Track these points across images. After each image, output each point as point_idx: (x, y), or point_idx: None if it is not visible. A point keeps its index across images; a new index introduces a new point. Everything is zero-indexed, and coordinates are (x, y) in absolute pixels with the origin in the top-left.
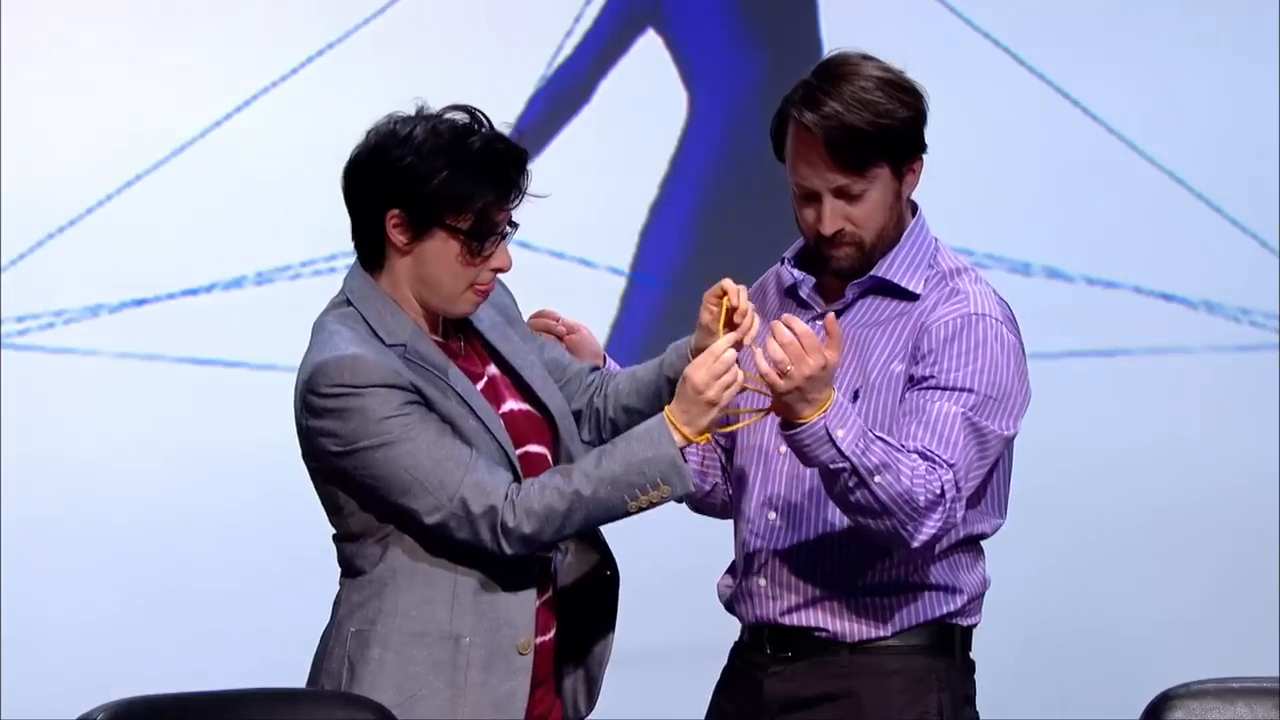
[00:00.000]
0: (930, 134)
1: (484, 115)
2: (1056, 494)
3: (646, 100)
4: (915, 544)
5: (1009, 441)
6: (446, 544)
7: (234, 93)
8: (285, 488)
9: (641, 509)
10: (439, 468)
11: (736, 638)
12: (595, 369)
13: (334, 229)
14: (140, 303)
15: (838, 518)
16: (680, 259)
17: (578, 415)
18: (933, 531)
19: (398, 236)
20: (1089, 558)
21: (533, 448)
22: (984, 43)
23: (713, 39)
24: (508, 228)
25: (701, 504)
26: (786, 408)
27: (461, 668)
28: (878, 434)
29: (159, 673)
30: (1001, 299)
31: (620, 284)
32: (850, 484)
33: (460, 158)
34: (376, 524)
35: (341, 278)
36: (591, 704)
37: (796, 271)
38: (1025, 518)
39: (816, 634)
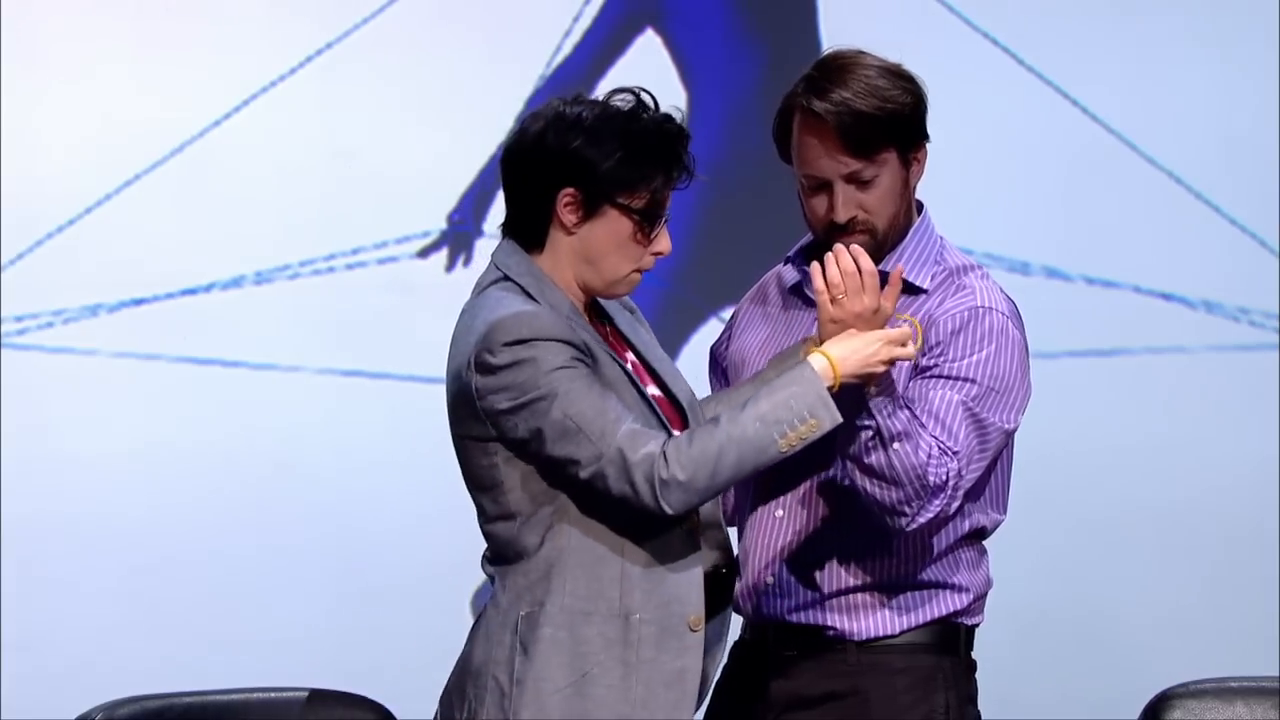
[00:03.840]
0: (929, 133)
1: (651, 95)
2: (1055, 494)
3: None
4: (913, 525)
5: (1009, 435)
6: (608, 511)
7: (233, 92)
8: (285, 488)
9: (793, 447)
10: (601, 416)
11: (738, 636)
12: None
13: (333, 228)
14: (139, 302)
15: (846, 515)
16: (680, 259)
17: None
18: (932, 515)
19: (568, 216)
20: (1088, 557)
21: (675, 433)
22: (983, 42)
23: (712, 39)
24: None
25: None
26: (826, 338)
27: (633, 645)
28: (905, 401)
29: (158, 673)
30: (1008, 296)
31: None
32: (870, 445)
33: (634, 137)
34: (537, 503)
35: (340, 277)
36: (703, 699)
37: (804, 268)
38: (1024, 517)
39: (824, 632)
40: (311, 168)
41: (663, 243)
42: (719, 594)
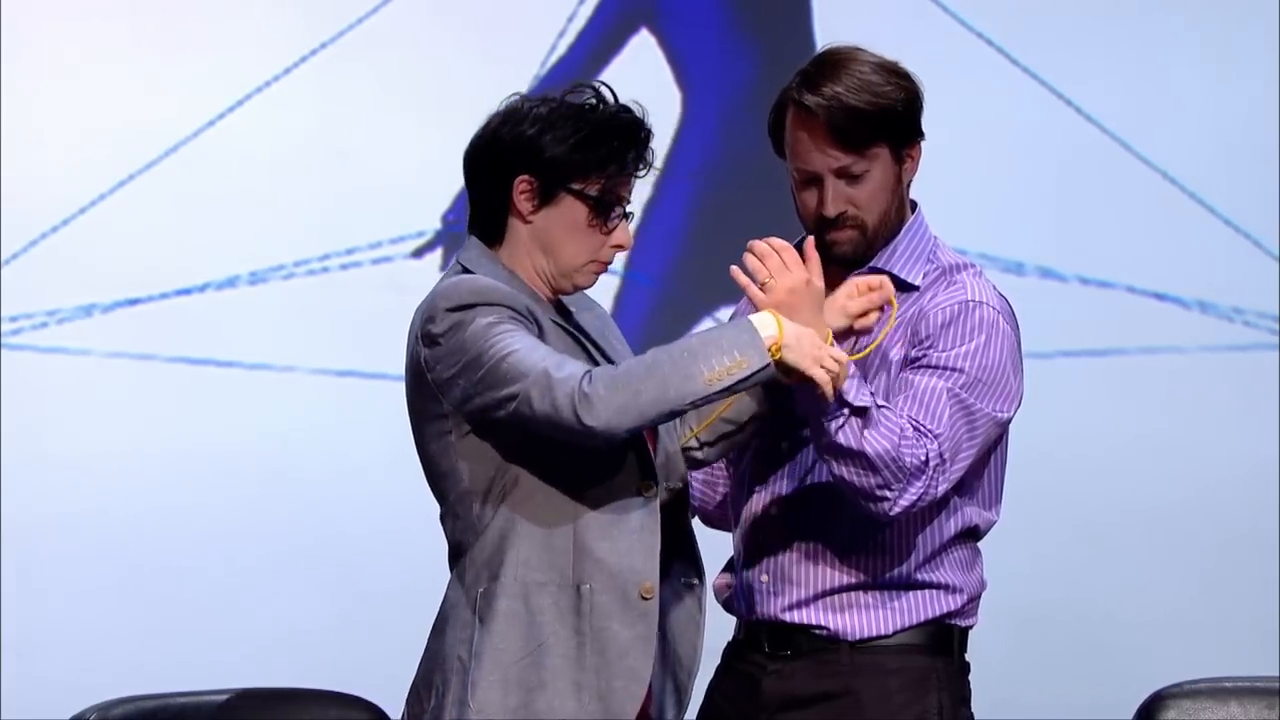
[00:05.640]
0: (924, 132)
1: (611, 90)
2: (1050, 494)
3: (640, 99)
4: (894, 511)
5: (1002, 426)
6: (559, 478)
7: (227, 92)
8: (279, 487)
9: (720, 382)
10: (533, 352)
11: (731, 636)
12: None
13: (327, 228)
14: (133, 302)
15: (839, 514)
16: (674, 258)
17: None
18: (913, 499)
19: (524, 204)
20: (1082, 557)
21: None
22: (977, 42)
23: (706, 38)
24: (630, 204)
25: (710, 517)
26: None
27: (586, 614)
28: (870, 390)
29: (153, 673)
30: (1002, 294)
31: (614, 283)
32: (842, 430)
33: (588, 124)
34: (489, 478)
35: (334, 277)
36: (681, 713)
37: None
38: (1018, 517)
39: (817, 632)
40: (306, 168)
41: (621, 235)
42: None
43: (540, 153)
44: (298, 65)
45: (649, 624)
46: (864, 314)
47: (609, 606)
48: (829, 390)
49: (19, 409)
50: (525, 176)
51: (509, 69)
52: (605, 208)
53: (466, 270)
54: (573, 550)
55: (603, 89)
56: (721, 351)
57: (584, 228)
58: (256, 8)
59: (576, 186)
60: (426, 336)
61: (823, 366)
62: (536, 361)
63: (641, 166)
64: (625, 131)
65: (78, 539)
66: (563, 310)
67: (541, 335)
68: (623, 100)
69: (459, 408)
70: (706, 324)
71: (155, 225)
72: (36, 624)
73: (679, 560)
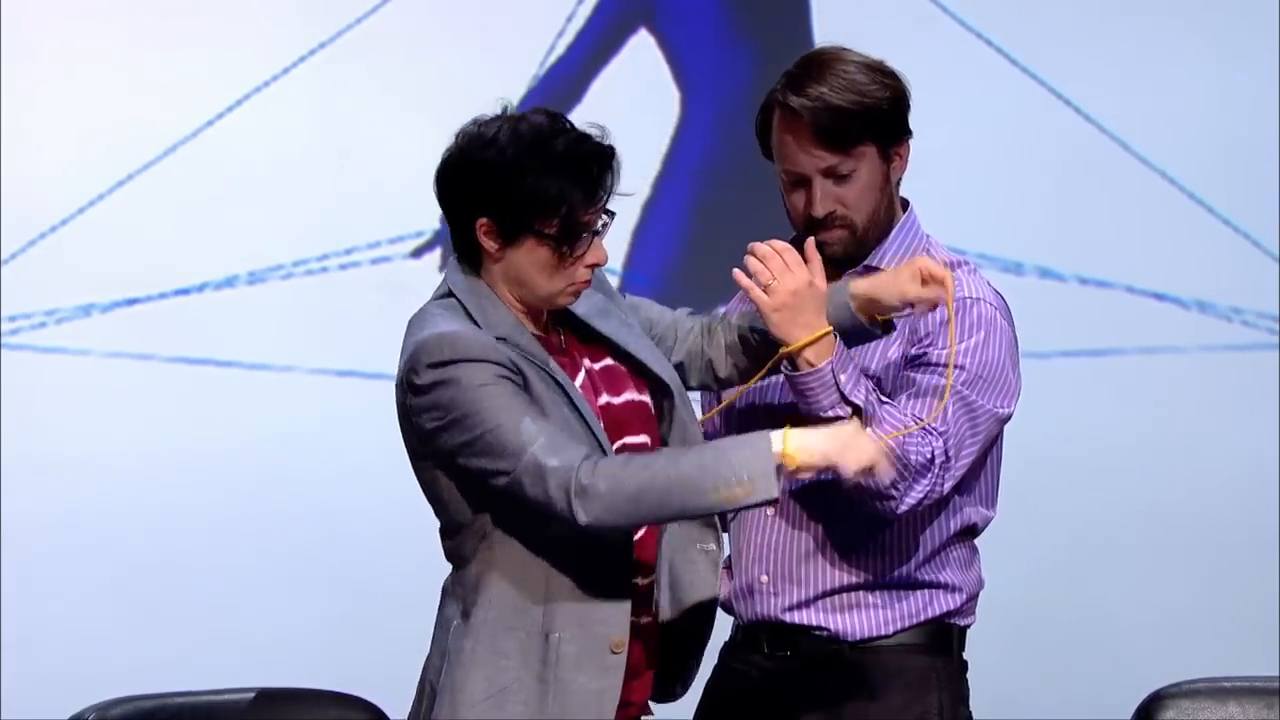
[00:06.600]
0: (923, 133)
1: (564, 118)
2: (1048, 494)
3: (639, 99)
4: (901, 509)
5: (1003, 422)
6: (534, 527)
7: (226, 92)
8: (279, 488)
9: (724, 504)
10: (518, 427)
11: (727, 637)
12: (693, 313)
13: (326, 228)
14: (132, 302)
15: (838, 514)
16: (672, 258)
17: (680, 367)
18: (919, 496)
19: (489, 243)
20: (1080, 557)
21: (632, 439)
22: (976, 42)
23: (705, 39)
24: (603, 221)
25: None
26: (778, 329)
27: (551, 664)
28: (872, 387)
29: (152, 672)
30: (997, 291)
31: (613, 283)
32: None
33: (544, 161)
34: (472, 514)
35: (333, 277)
36: (687, 685)
37: None
38: (1017, 517)
39: (817, 632)
40: (305, 168)
41: (596, 255)
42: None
43: (496, 196)
44: (297, 65)
45: (615, 677)
46: (914, 305)
47: (577, 658)
48: (887, 471)
49: (18, 409)
50: (484, 220)
51: (508, 69)
52: (570, 241)
53: (452, 294)
54: (545, 598)
55: (560, 116)
56: (733, 473)
57: (552, 264)
58: (255, 7)
59: (538, 228)
60: (410, 386)
61: (860, 463)
62: (525, 443)
63: (601, 196)
64: (582, 164)
65: (77, 539)
66: (559, 315)
67: (527, 386)
68: (582, 126)
69: (445, 459)
70: None
71: (154, 225)
72: (36, 624)
73: (692, 524)
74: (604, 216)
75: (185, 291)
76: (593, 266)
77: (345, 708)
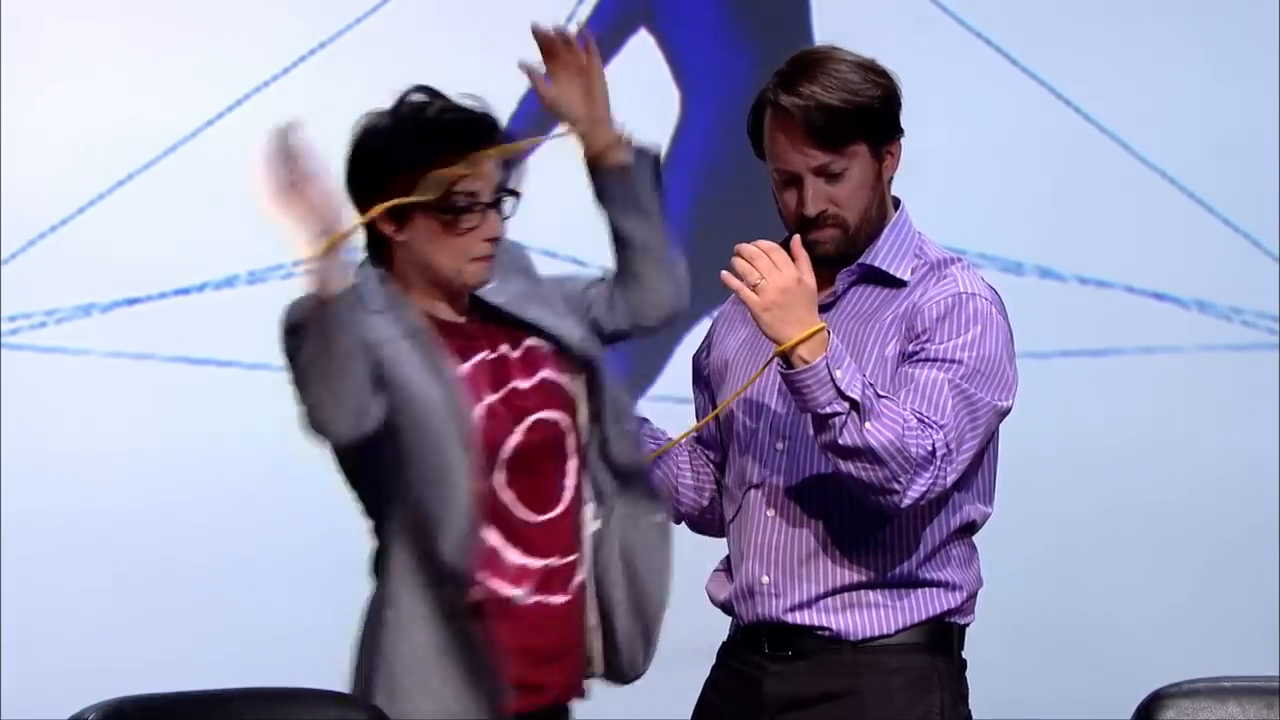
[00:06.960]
0: (923, 133)
1: (440, 92)
2: (1047, 493)
3: (638, 99)
4: (904, 503)
5: (1002, 416)
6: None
7: (226, 92)
8: (279, 488)
9: None
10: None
11: (725, 637)
12: (602, 279)
13: None
14: (132, 302)
15: (838, 513)
16: None
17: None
18: (922, 490)
19: (387, 228)
20: (1080, 557)
21: (543, 415)
22: (976, 42)
23: (705, 38)
24: (496, 195)
25: (700, 523)
26: (769, 328)
27: (455, 617)
28: (869, 381)
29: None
30: (992, 286)
31: None
32: (845, 428)
33: (417, 130)
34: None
35: None
36: (649, 656)
37: None
38: (1016, 517)
39: (819, 632)
40: None
41: (490, 227)
42: None
43: (377, 181)
44: (295, 65)
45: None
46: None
47: (475, 609)
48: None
49: (18, 409)
50: (378, 205)
51: (507, 69)
52: (454, 211)
53: (361, 300)
54: (435, 555)
55: (437, 94)
56: None
57: (445, 236)
58: (255, 8)
59: (417, 200)
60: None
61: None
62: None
63: (479, 161)
64: (451, 129)
65: (77, 538)
66: (477, 301)
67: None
68: (462, 99)
69: None
70: (706, 324)
71: (154, 225)
72: (36, 624)
73: (639, 497)
74: (497, 191)
75: (185, 291)
76: (491, 241)
77: (345, 708)
